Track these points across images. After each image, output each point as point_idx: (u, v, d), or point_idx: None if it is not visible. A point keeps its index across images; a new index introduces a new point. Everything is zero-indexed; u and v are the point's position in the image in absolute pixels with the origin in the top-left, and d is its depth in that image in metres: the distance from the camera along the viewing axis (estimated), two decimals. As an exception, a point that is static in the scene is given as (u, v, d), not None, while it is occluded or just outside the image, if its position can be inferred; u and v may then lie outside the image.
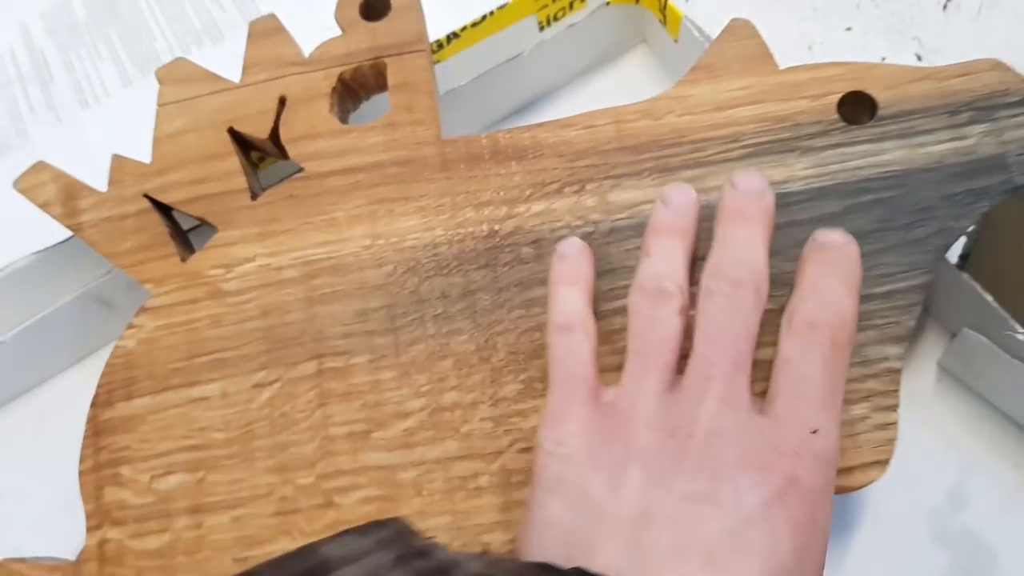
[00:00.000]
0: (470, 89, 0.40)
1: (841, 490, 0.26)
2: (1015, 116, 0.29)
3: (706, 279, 0.26)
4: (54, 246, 0.37)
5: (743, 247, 0.26)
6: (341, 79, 0.34)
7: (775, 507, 0.21)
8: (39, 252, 0.38)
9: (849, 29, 0.42)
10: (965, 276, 0.31)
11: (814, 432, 0.23)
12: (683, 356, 0.26)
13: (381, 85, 0.35)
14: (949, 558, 0.31)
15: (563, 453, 0.24)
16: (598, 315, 0.29)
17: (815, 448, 0.23)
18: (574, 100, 0.41)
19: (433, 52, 0.39)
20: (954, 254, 0.34)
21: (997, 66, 0.30)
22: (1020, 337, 0.30)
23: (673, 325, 0.25)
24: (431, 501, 0.29)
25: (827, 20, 0.43)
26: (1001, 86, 0.29)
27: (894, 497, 0.32)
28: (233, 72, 0.36)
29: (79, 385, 0.39)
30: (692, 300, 0.27)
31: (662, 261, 0.27)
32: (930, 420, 0.33)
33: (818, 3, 0.44)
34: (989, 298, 0.31)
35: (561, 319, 0.27)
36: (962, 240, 0.34)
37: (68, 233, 0.36)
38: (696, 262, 0.29)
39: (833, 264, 0.26)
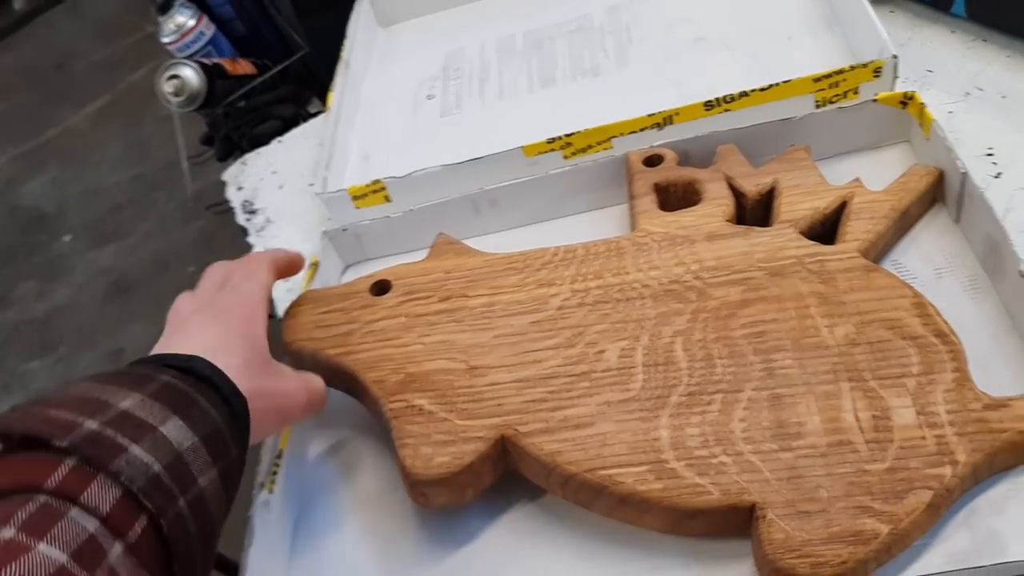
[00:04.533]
0: (742, 135, 0.52)
1: None
2: None
3: None
4: (452, 164, 0.56)
5: None
6: None
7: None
8: (445, 165, 0.56)
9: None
10: None
11: None
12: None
13: None
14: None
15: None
16: None
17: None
18: (831, 169, 0.51)
19: (728, 102, 0.53)
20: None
21: None
22: None
23: None
24: None
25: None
26: None
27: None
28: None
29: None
30: None
31: None
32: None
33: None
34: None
35: None
36: None
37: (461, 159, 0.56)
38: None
39: None
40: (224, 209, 0.71)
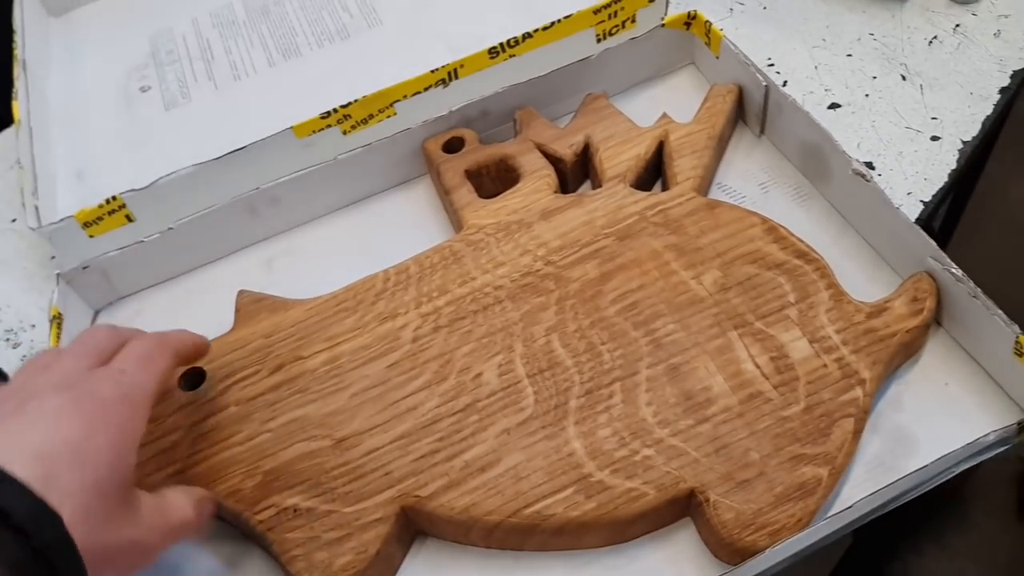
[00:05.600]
0: (542, 83, 0.48)
1: None
2: None
3: None
4: (206, 163, 0.45)
5: None
6: None
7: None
8: (197, 164, 0.45)
9: (849, 55, 0.51)
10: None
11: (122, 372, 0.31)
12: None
13: None
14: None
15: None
16: None
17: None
18: (627, 105, 0.49)
19: (513, 46, 0.48)
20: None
21: None
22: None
23: None
24: None
25: (833, 47, 0.51)
26: None
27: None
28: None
29: (220, 277, 0.47)
30: None
31: None
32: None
33: (826, 34, 0.52)
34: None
35: None
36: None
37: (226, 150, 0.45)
38: None
39: None
40: None
